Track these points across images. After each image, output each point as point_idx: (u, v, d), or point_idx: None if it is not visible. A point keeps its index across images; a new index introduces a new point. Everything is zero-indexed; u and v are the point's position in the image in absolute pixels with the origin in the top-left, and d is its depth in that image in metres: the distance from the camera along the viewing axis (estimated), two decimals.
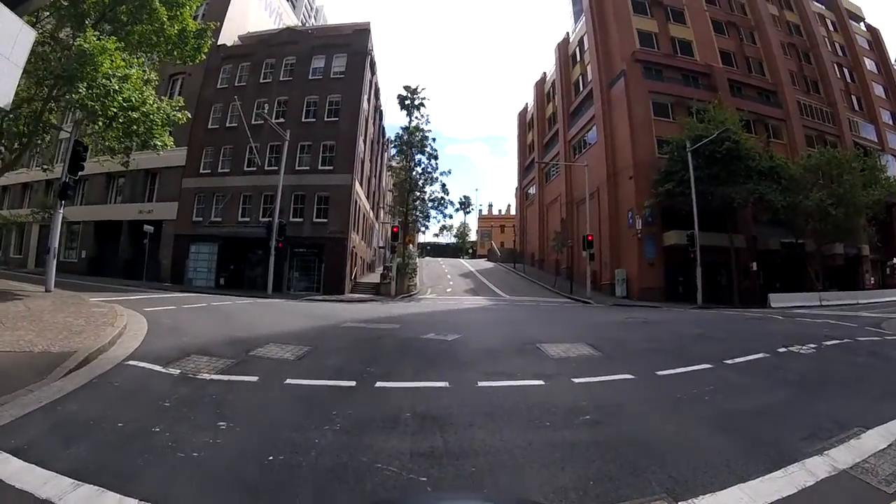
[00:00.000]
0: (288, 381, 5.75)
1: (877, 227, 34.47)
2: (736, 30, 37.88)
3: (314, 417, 4.46)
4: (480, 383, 5.98)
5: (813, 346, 10.31)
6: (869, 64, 46.77)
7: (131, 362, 6.36)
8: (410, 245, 37.80)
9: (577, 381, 6.39)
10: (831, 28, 45.95)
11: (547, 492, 3.36)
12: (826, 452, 4.44)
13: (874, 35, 50.13)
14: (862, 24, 50.37)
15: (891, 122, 45.28)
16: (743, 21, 38.63)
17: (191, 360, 6.50)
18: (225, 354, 6.92)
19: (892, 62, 51.03)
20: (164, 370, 5.99)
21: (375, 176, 41.39)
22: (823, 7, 46.45)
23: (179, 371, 5.94)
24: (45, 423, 4.11)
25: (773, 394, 6.58)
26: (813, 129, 36.83)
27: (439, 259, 63.03)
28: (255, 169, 27.51)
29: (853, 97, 43.32)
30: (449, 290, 31.38)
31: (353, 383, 5.74)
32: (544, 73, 51.66)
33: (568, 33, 44.29)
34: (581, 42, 39.96)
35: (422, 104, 32.37)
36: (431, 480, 3.37)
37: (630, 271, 29.57)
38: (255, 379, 5.75)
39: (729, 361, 8.19)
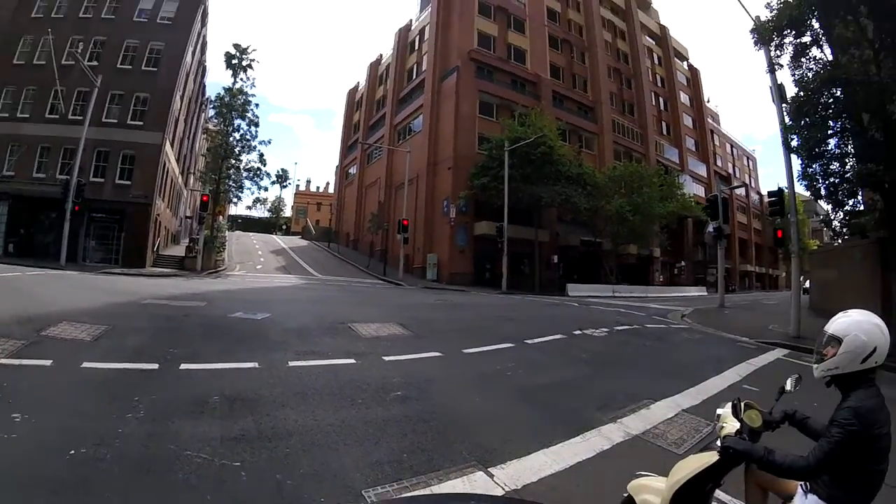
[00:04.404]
0: (85, 364, 5.32)
1: (668, 234, 40.10)
2: (569, 47, 41.60)
3: (116, 405, 4.18)
4: (291, 363, 5.93)
5: (605, 329, 11.54)
6: (683, 97, 54.27)
7: None
8: (220, 217, 35.46)
9: (387, 358, 6.59)
10: (656, 62, 52.46)
11: (362, 467, 3.41)
12: (619, 420, 5.05)
13: (693, 74, 58.22)
14: (685, 63, 58.21)
15: (693, 149, 53.04)
16: (577, 41, 42.59)
17: None
18: (13, 335, 6.23)
19: (706, 100, 59.81)
20: None
21: (189, 137, 38.21)
22: (654, 43, 52.89)
23: None
24: None
25: (570, 370, 7.24)
26: (622, 146, 41.70)
27: (250, 234, 59.38)
28: (57, 117, 24.17)
29: (664, 123, 49.99)
30: (259, 266, 30.23)
31: (155, 366, 5.44)
32: (380, 55, 51.47)
33: (411, 20, 44.80)
34: (422, 31, 40.66)
35: (250, 66, 30.46)
36: (245, 466, 3.26)
37: (441, 256, 30.86)
38: (48, 363, 5.27)
39: (530, 341, 8.96)
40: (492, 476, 3.46)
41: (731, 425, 2.20)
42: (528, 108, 32.00)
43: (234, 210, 62.36)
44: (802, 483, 2.01)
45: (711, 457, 2.02)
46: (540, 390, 5.84)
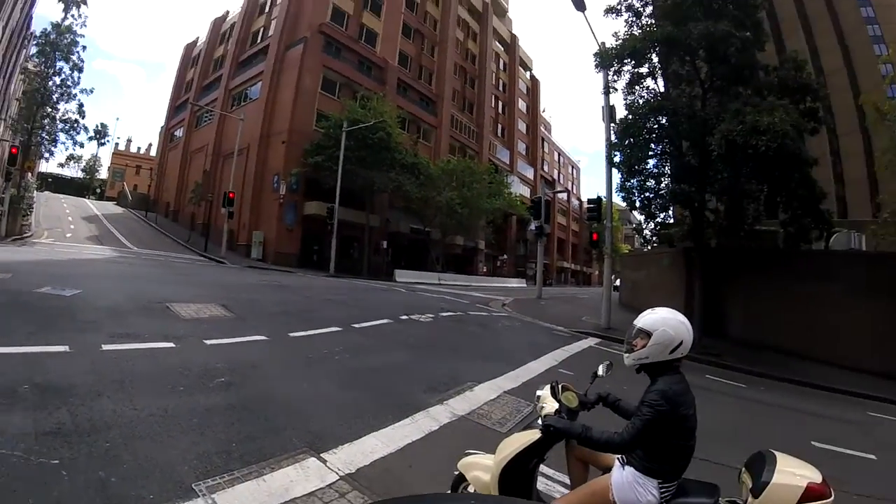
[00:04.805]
0: None
1: (494, 229, 43.86)
2: (421, 39, 42.62)
3: None
4: (105, 346, 5.43)
5: (431, 315, 11.90)
6: (521, 104, 59.32)
7: None
8: (30, 174, 30.75)
9: (209, 342, 6.25)
10: (502, 67, 56.42)
11: (190, 459, 3.20)
12: (446, 402, 5.19)
13: (534, 84, 63.79)
14: (528, 73, 63.43)
15: (524, 153, 58.52)
16: (430, 34, 43.84)
17: None
18: None
19: (542, 110, 66.07)
20: None
21: (4, 77, 31.87)
22: (502, 49, 56.68)
23: None
24: None
25: (397, 354, 7.37)
26: (458, 141, 44.44)
27: (61, 196, 52.30)
28: None
29: (499, 125, 54.26)
30: (69, 235, 26.68)
31: None
32: (227, 12, 47.62)
33: None
34: None
35: (84, 1, 26.69)
36: (65, 463, 2.92)
37: (268, 235, 29.71)
38: None
39: (357, 325, 8.89)
40: (325, 462, 3.48)
41: (550, 405, 2.37)
42: (372, 92, 32.09)
43: (43, 167, 52.27)
44: (619, 456, 2.18)
45: (534, 434, 2.19)
46: (368, 374, 6.00)
